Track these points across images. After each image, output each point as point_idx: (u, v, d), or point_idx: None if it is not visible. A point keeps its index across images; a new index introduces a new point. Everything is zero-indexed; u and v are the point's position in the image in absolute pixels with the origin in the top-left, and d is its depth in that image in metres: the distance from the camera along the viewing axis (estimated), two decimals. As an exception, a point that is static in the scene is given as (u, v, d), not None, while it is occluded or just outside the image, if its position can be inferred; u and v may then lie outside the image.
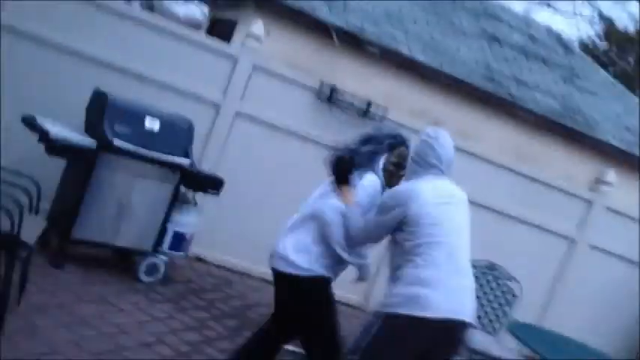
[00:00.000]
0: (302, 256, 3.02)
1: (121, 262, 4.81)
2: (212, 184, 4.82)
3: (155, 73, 5.11)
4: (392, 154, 3.19)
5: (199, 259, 5.45)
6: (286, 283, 3.10)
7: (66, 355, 3.31)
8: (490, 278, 4.94)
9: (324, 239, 3.03)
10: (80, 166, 4.40)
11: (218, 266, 5.56)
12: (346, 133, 5.11)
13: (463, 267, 2.87)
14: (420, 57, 7.20)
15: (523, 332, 4.38)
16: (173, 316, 4.33)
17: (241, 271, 5.62)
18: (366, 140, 3.25)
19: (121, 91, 4.65)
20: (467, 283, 2.87)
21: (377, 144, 3.20)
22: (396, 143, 3.20)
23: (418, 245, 2.79)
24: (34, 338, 3.31)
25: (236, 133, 5.45)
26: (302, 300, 3.10)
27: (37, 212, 3.90)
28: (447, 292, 2.75)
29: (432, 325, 2.70)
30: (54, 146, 4.17)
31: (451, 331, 2.79)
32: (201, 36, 5.47)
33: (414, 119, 5.95)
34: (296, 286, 3.07)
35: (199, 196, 4.93)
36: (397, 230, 2.87)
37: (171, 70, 5.16)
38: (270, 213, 5.46)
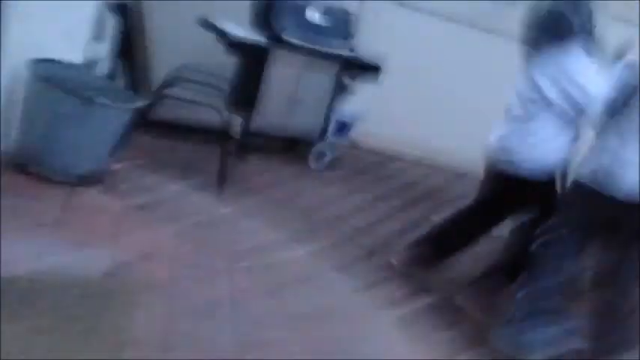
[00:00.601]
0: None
1: (290, 152, 5.18)
2: (372, 71, 5.00)
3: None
4: None
5: (355, 145, 5.71)
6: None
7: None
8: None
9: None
10: (253, 63, 4.68)
11: (373, 150, 5.81)
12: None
13: None
14: None
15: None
16: (350, 195, 4.70)
17: (392, 154, 5.87)
18: None
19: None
20: None
21: None
22: None
23: None
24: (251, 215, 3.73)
25: (385, 17, 5.53)
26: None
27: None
28: None
29: None
30: (232, 44, 4.46)
31: None
32: None
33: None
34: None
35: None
36: None
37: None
38: (419, 99, 5.67)
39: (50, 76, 2.54)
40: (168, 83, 4.04)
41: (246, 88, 4.82)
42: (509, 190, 3.34)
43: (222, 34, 4.50)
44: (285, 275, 2.67)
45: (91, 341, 2.04)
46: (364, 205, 4.55)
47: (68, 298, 2.15)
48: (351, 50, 4.88)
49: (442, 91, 5.80)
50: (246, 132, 4.72)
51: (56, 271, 2.20)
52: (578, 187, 3.03)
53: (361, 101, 5.26)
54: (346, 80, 5.04)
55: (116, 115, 2.76)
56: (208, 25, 4.61)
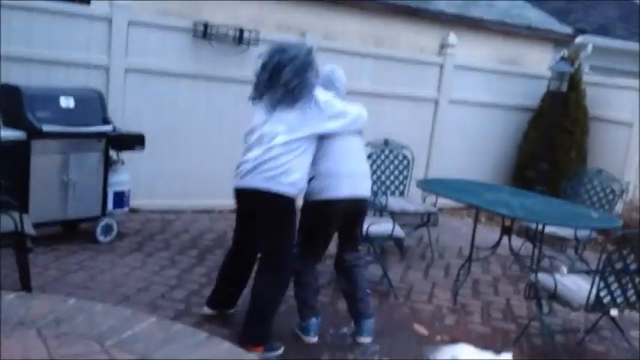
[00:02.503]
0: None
1: (75, 232, 5.24)
2: (137, 141, 5.26)
3: (37, 53, 5.40)
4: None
5: (135, 211, 5.93)
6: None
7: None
8: (387, 152, 5.91)
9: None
10: (15, 158, 4.68)
11: (152, 211, 6.09)
12: (230, 62, 5.81)
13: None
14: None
15: (432, 186, 5.44)
16: (145, 261, 4.92)
17: (173, 210, 6.20)
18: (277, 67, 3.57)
19: (6, 77, 4.98)
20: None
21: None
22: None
23: None
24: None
25: (130, 89, 5.86)
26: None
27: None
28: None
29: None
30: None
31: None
32: (71, 5, 5.69)
33: (283, 33, 6.60)
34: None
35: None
36: None
37: (52, 46, 5.46)
38: (182, 153, 6.07)
39: None
40: None
41: (14, 184, 4.78)
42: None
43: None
44: None
45: None
46: (161, 270, 4.81)
47: None
48: (110, 125, 5.08)
49: (198, 139, 6.27)
50: (23, 227, 4.70)
51: None
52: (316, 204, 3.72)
53: (131, 168, 5.48)
54: (113, 154, 5.24)
55: None
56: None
